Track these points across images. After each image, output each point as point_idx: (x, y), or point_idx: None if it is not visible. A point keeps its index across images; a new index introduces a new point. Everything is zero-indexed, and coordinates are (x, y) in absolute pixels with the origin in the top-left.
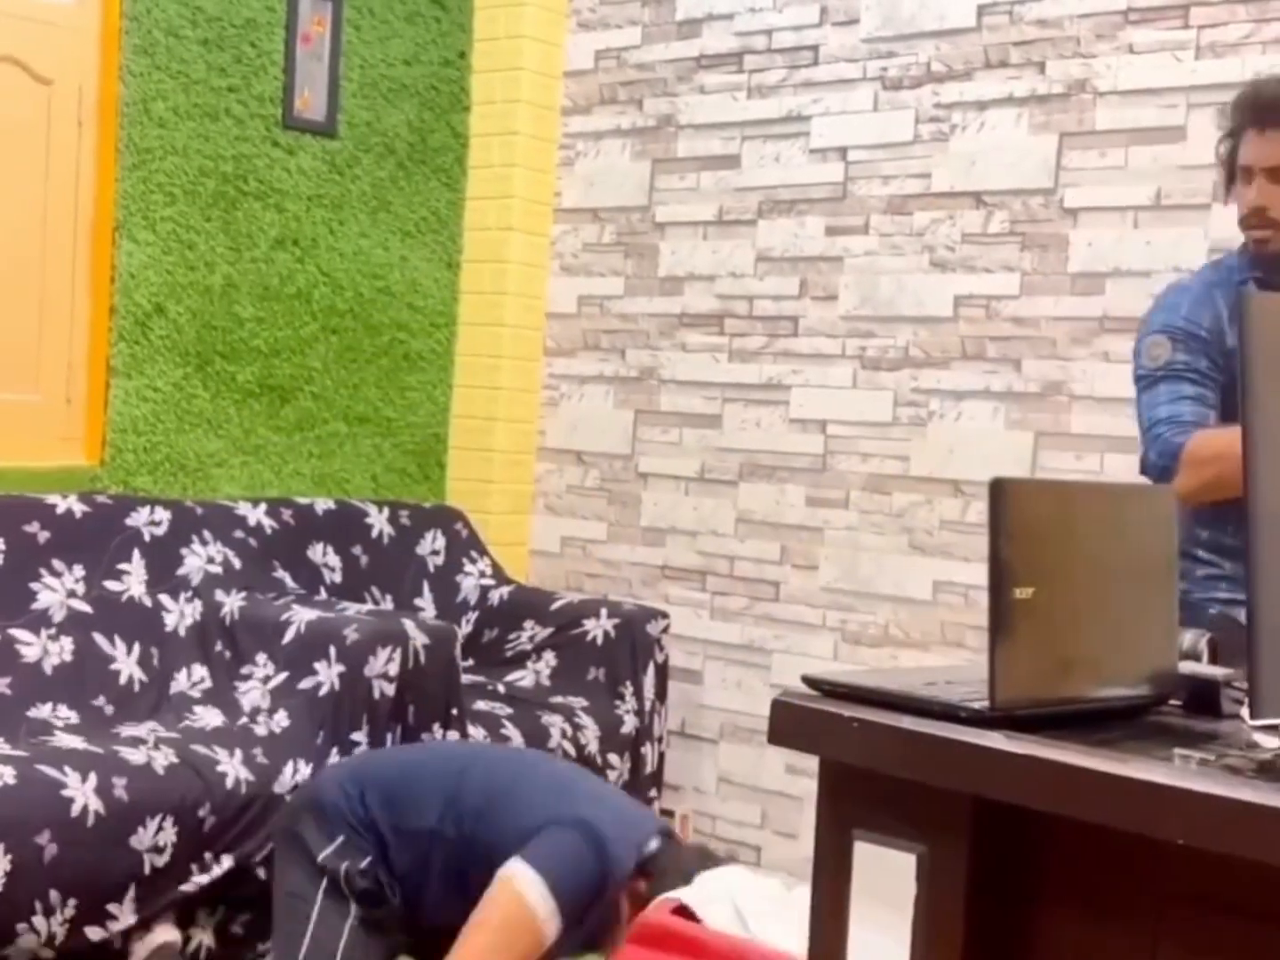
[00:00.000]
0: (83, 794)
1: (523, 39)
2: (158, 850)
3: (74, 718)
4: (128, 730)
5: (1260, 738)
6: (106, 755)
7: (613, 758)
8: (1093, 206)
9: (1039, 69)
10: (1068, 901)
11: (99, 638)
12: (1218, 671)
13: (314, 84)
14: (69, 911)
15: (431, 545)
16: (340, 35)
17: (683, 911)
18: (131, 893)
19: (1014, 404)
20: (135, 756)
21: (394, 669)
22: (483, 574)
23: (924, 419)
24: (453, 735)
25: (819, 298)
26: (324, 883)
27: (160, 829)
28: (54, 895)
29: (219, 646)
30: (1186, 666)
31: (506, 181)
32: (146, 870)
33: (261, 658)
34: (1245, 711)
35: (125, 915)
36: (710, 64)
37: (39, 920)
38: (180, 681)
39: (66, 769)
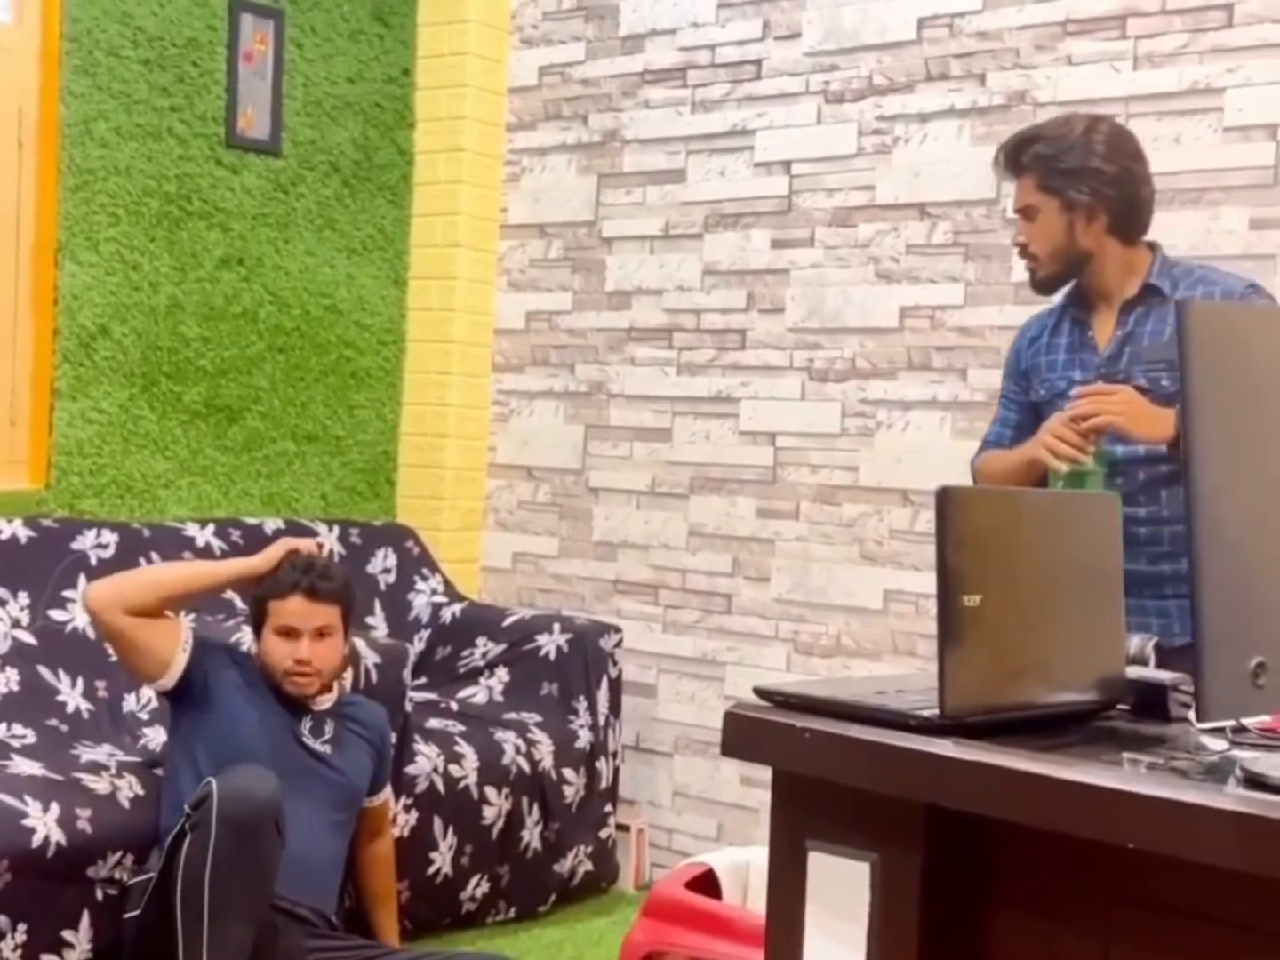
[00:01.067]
0: (44, 824)
1: (466, 55)
2: (112, 882)
3: (30, 736)
4: (87, 754)
5: (1207, 740)
6: (68, 784)
7: (568, 773)
8: None
9: (979, 81)
10: (1020, 906)
11: (44, 670)
12: (1165, 676)
13: (257, 102)
14: (20, 938)
15: (383, 563)
16: (283, 53)
17: (698, 881)
18: (86, 920)
19: (960, 413)
20: (99, 786)
21: (346, 687)
22: (434, 591)
23: (872, 429)
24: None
25: (766, 310)
26: None
27: (119, 863)
28: (3, 920)
29: None
30: (1134, 671)
31: (453, 198)
32: (100, 898)
33: None
34: (1192, 715)
35: (81, 943)
36: (654, 79)
37: None
38: (130, 702)
39: (27, 798)
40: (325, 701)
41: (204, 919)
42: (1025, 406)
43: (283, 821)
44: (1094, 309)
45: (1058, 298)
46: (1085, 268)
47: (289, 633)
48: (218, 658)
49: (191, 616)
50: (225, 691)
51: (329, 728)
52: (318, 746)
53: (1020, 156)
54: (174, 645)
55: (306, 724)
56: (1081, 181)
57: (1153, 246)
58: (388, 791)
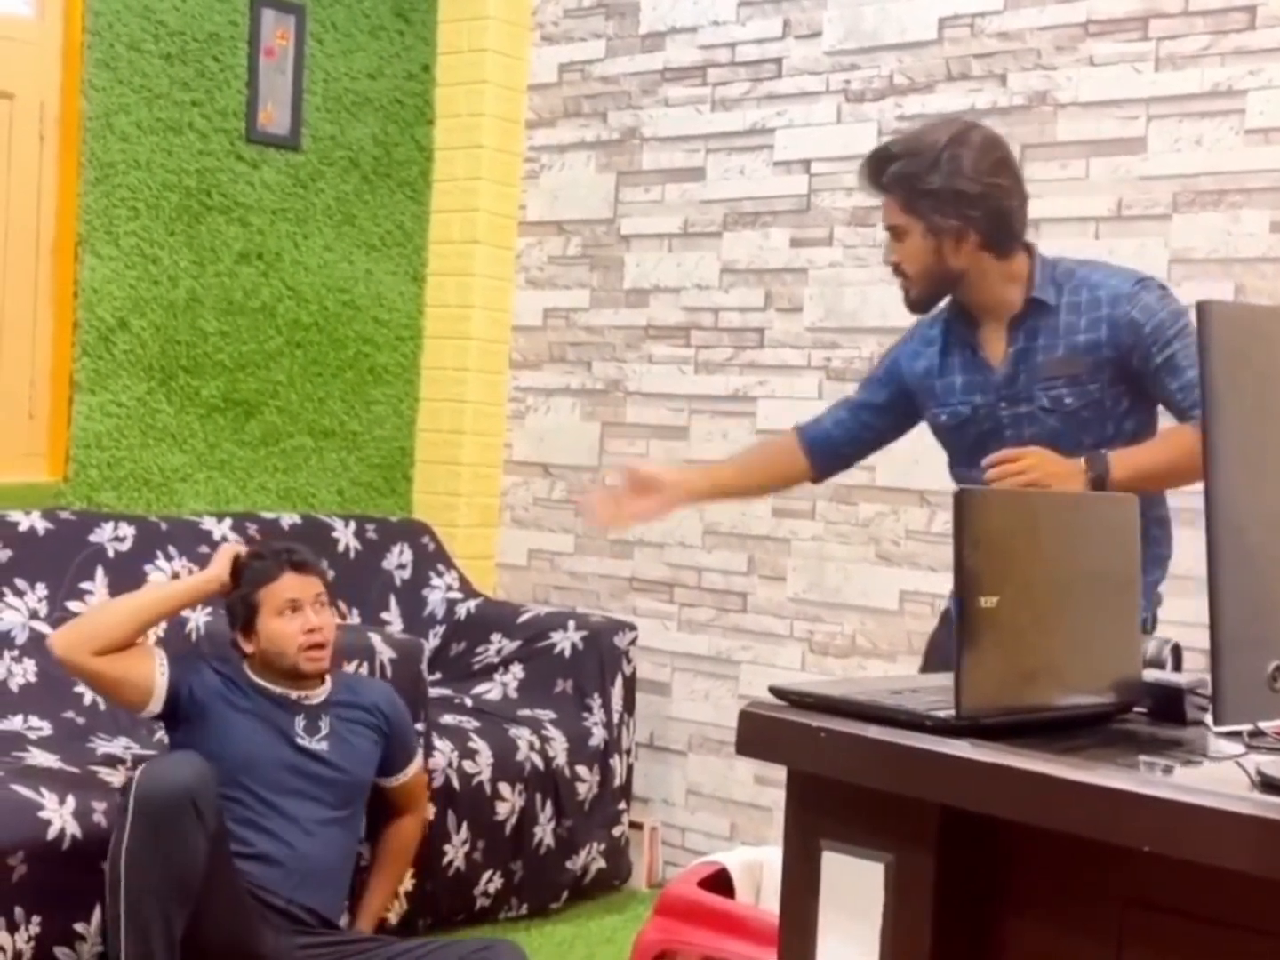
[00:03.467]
0: (60, 817)
1: (486, 52)
2: None
3: (46, 729)
4: (103, 747)
5: (1224, 744)
6: (84, 776)
7: (581, 770)
8: (1054, 217)
9: (1000, 81)
10: (1035, 908)
11: None
12: (1182, 679)
13: (278, 98)
14: (34, 929)
15: (398, 559)
16: (304, 49)
17: (711, 880)
18: (99, 913)
19: None
20: (115, 779)
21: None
22: (450, 587)
23: None
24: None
25: (784, 309)
26: None
27: None
28: (19, 912)
29: None
30: (1151, 674)
31: (471, 195)
32: None
33: None
34: (1209, 718)
35: (93, 935)
36: (674, 77)
37: (3, 936)
38: None
39: (43, 790)
40: (319, 695)
41: (120, 906)
42: (877, 414)
43: (204, 804)
44: (979, 324)
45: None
46: (960, 285)
47: (293, 607)
48: (198, 670)
49: (208, 610)
50: (212, 702)
51: (324, 724)
52: (313, 745)
53: (880, 176)
54: (150, 671)
55: (300, 723)
56: (946, 204)
57: (1030, 250)
58: (413, 768)
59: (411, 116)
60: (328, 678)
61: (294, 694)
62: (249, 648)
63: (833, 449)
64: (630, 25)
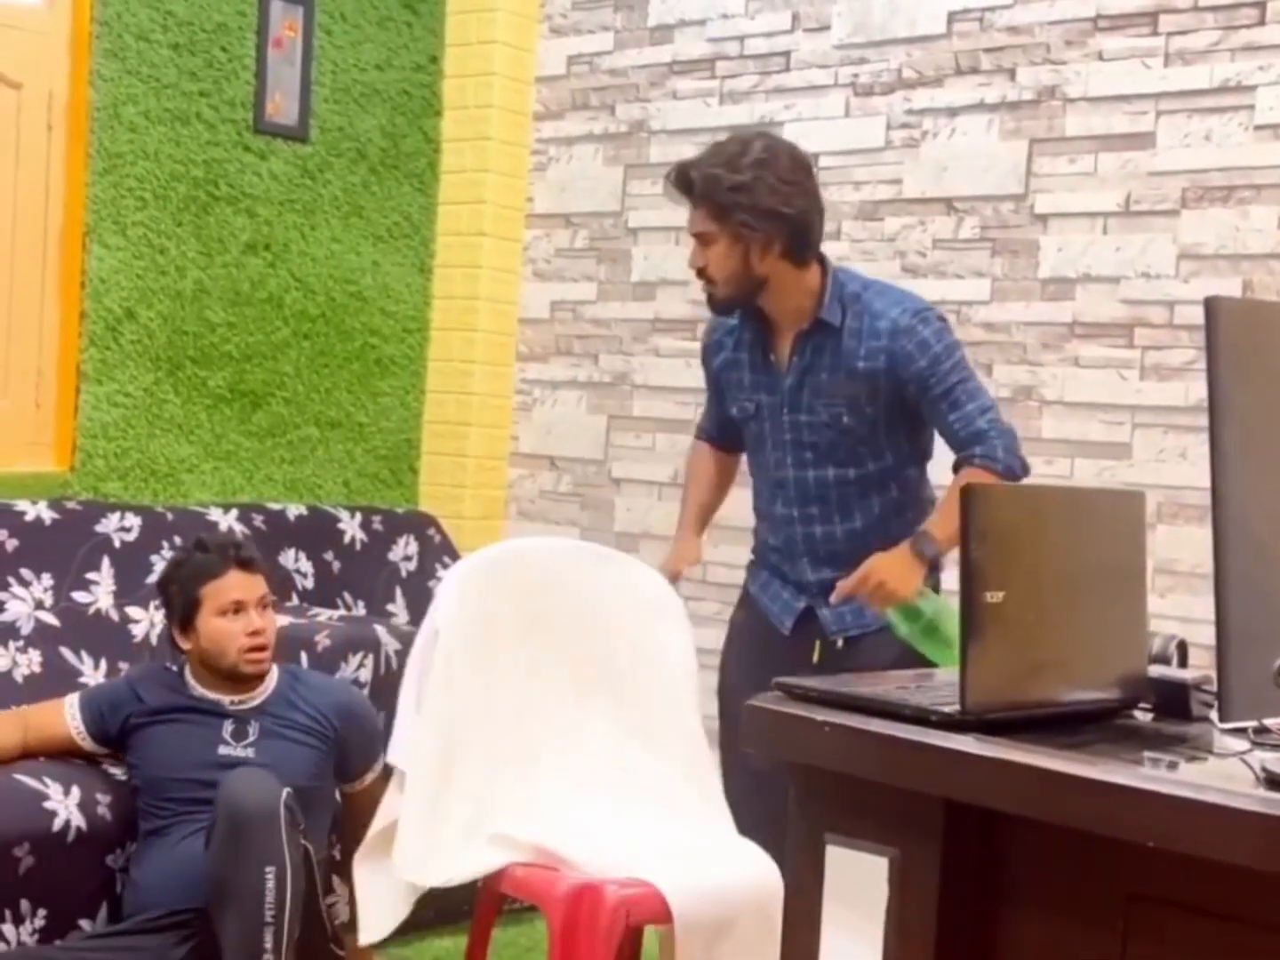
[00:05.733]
0: (65, 808)
1: (495, 44)
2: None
3: None
4: None
5: (1229, 740)
6: (89, 768)
7: None
8: (1063, 212)
9: (1009, 75)
10: (1039, 903)
11: (66, 651)
12: (1187, 675)
13: (285, 88)
14: (39, 923)
15: (404, 551)
16: (312, 40)
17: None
18: (104, 911)
19: None
20: (119, 772)
21: (365, 675)
22: None
23: None
24: None
25: None
26: None
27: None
28: (24, 905)
29: None
30: (1156, 670)
31: (479, 186)
32: (119, 888)
33: None
34: (1214, 714)
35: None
36: (682, 70)
37: (8, 928)
38: None
39: (47, 780)
40: (254, 698)
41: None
42: (719, 407)
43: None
44: (773, 329)
45: None
46: (762, 291)
47: (236, 608)
48: (111, 701)
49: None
50: (136, 727)
51: (253, 729)
52: (237, 753)
53: (690, 185)
54: (60, 723)
55: (228, 728)
56: (751, 215)
57: (825, 265)
58: (370, 777)
59: (419, 108)
60: (270, 678)
61: (227, 699)
62: (186, 644)
63: (721, 434)
64: (639, 18)
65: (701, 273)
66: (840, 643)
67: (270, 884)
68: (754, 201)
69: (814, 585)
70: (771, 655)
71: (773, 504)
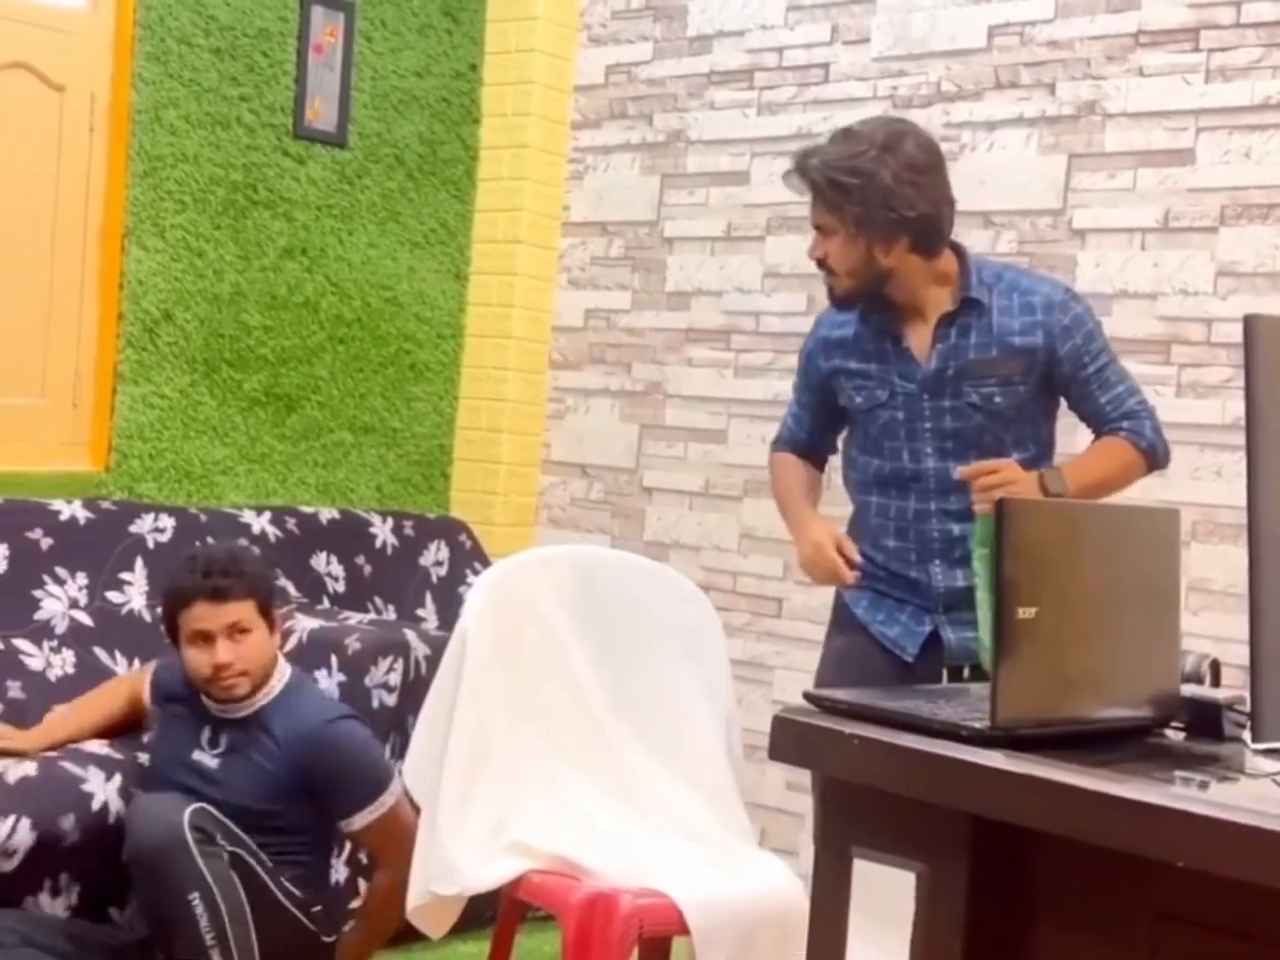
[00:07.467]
0: (103, 791)
1: (534, 52)
2: None
3: None
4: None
5: (1261, 761)
6: (128, 761)
7: None
8: (1101, 228)
9: (1049, 90)
10: (1066, 920)
11: (100, 651)
12: (1220, 694)
13: (325, 94)
14: (72, 899)
15: (435, 556)
16: (352, 46)
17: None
18: (133, 905)
19: None
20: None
21: (395, 679)
22: None
23: None
24: None
25: None
26: None
27: None
28: (64, 879)
29: None
30: (1189, 689)
31: (515, 194)
32: None
33: None
34: (1247, 735)
35: (125, 924)
36: (721, 80)
37: (45, 898)
38: None
39: (91, 769)
40: (241, 710)
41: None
42: (817, 413)
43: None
44: (904, 320)
45: None
46: (887, 283)
47: (203, 638)
48: (158, 673)
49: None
50: (155, 704)
51: (225, 738)
52: (206, 760)
53: (811, 175)
54: (141, 693)
55: (205, 734)
56: (877, 207)
57: (959, 251)
58: (362, 815)
59: (458, 115)
60: (268, 692)
61: (215, 705)
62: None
63: (812, 444)
64: (678, 28)
65: (821, 263)
66: (966, 672)
67: (199, 909)
68: (872, 203)
69: (941, 598)
70: (893, 684)
71: (904, 500)
